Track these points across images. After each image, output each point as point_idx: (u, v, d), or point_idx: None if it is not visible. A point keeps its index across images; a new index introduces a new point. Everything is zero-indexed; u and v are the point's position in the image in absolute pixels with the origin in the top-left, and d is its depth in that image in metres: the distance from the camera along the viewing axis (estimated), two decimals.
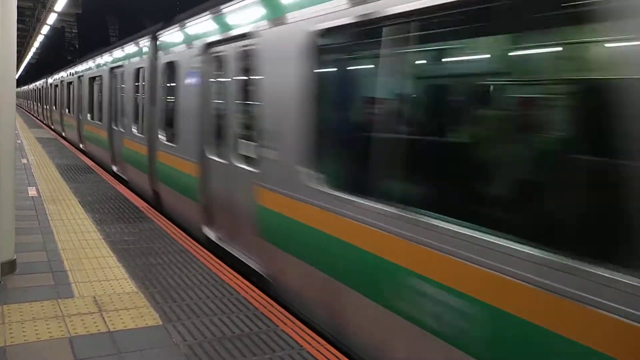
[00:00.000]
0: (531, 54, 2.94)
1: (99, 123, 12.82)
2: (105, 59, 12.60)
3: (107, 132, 11.87)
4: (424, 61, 3.64)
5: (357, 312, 3.63)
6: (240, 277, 5.05)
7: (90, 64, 14.76)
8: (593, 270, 2.16)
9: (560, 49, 2.69)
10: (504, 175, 2.90)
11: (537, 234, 2.48)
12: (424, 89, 3.60)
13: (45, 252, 5.52)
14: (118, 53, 11.27)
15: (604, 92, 2.26)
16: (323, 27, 3.86)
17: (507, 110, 2.98)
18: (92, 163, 13.10)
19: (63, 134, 20.60)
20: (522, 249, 2.44)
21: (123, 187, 9.79)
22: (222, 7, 5.83)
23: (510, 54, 3.01)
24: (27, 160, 12.72)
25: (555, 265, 2.29)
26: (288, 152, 4.30)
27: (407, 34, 3.17)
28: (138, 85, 9.52)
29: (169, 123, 7.67)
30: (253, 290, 4.72)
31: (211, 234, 6.13)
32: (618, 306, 2.07)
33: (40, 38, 24.52)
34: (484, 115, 3.14)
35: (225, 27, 5.79)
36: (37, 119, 35.68)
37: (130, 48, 10.20)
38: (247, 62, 5.27)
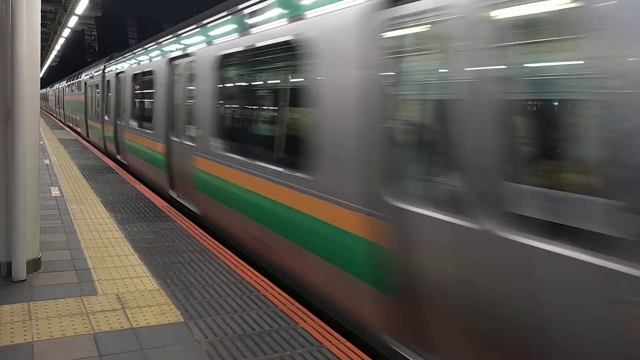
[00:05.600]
0: None
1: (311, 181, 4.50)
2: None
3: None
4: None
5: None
6: (260, 275, 5.10)
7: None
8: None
9: None
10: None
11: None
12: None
13: (68, 250, 5.62)
14: None
15: None
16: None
17: None
18: (113, 164, 13.24)
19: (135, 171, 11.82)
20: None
21: (143, 186, 9.92)
22: None
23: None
24: (50, 160, 12.95)
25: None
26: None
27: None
28: None
29: None
30: (273, 288, 4.75)
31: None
32: None
33: (61, 41, 24.86)
34: None
35: None
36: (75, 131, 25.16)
37: None
38: None
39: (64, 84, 32.08)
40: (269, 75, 5.97)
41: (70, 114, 28.08)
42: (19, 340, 3.53)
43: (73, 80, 26.72)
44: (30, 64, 4.70)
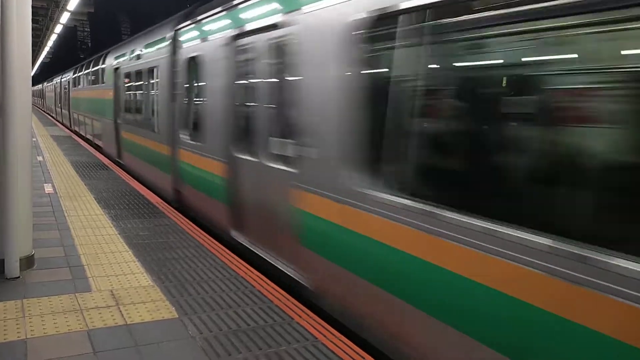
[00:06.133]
0: None
1: None
2: None
3: None
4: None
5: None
6: (255, 271, 5.09)
7: None
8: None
9: None
10: None
11: None
12: None
13: (62, 247, 5.60)
14: None
15: None
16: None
17: None
18: (107, 160, 13.17)
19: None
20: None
21: (137, 183, 9.88)
22: None
23: None
24: (43, 157, 12.88)
25: None
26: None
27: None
28: None
29: None
30: (267, 283, 4.75)
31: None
32: None
33: (53, 37, 24.65)
34: None
35: None
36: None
37: None
38: None
39: (69, 75, 23.84)
40: None
41: (81, 118, 19.67)
42: (12, 338, 3.51)
43: (88, 68, 17.91)
44: (21, 59, 4.66)
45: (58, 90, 29.42)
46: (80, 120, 20.08)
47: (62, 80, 26.84)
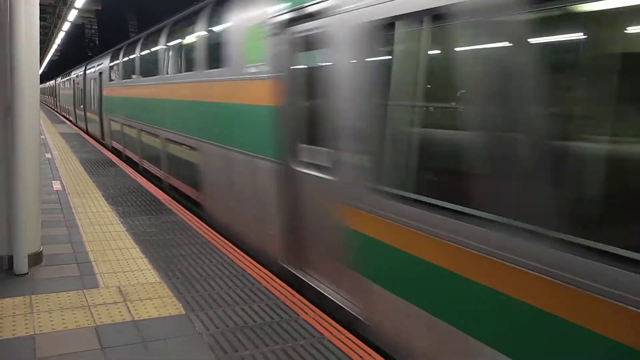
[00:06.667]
0: None
1: None
2: None
3: None
4: None
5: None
6: (262, 268, 5.10)
7: None
8: None
9: None
10: None
11: None
12: None
13: (70, 244, 5.63)
14: None
15: None
16: None
17: None
18: (115, 157, 13.20)
19: None
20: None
21: (145, 180, 9.93)
22: None
23: None
24: (51, 154, 12.96)
25: None
26: None
27: None
28: None
29: None
30: (274, 280, 4.76)
31: None
32: None
33: (61, 35, 24.74)
34: None
35: None
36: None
37: None
38: None
39: (101, 64, 16.21)
40: None
41: (130, 131, 12.23)
42: (20, 333, 3.54)
43: (155, 44, 9.97)
44: (29, 58, 4.68)
45: (80, 86, 21.97)
46: (127, 137, 12.67)
47: (87, 72, 19.39)
